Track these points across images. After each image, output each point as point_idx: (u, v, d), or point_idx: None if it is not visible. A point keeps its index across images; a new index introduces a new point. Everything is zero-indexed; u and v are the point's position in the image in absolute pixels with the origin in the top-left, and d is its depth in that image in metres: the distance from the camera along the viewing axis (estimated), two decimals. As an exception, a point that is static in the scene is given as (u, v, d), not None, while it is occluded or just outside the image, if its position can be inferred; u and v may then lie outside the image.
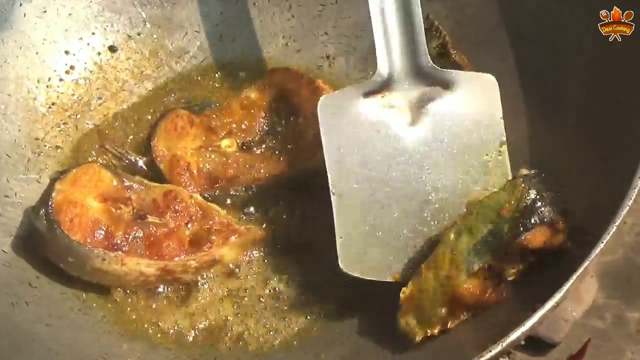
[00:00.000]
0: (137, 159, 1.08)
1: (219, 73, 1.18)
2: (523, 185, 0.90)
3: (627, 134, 0.92)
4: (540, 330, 0.98)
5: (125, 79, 1.17)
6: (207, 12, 1.19)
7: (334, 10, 1.17)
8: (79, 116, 1.14)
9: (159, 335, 0.99)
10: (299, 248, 1.04)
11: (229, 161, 1.07)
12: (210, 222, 1.01)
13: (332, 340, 0.97)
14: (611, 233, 0.82)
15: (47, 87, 1.14)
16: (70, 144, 1.12)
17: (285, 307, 1.01)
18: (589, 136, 0.97)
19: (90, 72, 1.16)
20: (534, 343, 0.98)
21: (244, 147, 1.09)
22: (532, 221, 0.88)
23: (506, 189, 0.91)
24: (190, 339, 0.99)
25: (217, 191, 1.06)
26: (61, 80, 1.15)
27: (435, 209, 0.97)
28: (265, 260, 1.04)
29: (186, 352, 0.98)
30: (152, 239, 0.98)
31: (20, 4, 1.12)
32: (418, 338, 0.91)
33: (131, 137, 1.13)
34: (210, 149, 1.08)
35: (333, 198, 0.97)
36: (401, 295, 0.93)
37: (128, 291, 1.00)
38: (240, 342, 0.98)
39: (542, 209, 0.89)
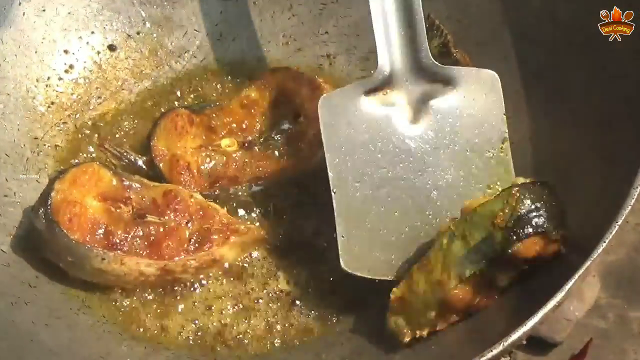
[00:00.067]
0: (137, 158, 1.08)
1: (219, 72, 1.18)
2: (518, 194, 0.89)
3: (629, 134, 0.92)
4: (542, 330, 0.98)
5: (125, 78, 1.17)
6: (207, 11, 1.19)
7: (335, 9, 1.17)
8: (78, 115, 1.14)
9: (158, 336, 0.99)
10: (299, 248, 1.04)
11: (229, 161, 1.07)
12: (210, 222, 1.01)
13: (332, 340, 0.97)
14: (613, 232, 0.82)
15: (47, 86, 1.13)
16: (70, 144, 1.12)
17: (286, 307, 1.00)
18: (590, 136, 0.97)
19: (90, 71, 1.16)
20: (536, 343, 0.98)
21: (245, 147, 1.08)
22: (526, 231, 0.87)
23: (501, 197, 0.90)
24: (190, 339, 0.99)
25: (217, 191, 1.06)
26: (60, 79, 1.15)
27: (437, 207, 0.97)
28: (266, 260, 1.03)
29: (186, 353, 0.97)
30: (151, 238, 0.98)
31: (20, 3, 1.12)
32: (407, 339, 0.91)
33: (131, 136, 1.13)
34: (210, 148, 1.08)
35: (334, 197, 0.96)
36: (391, 295, 0.93)
37: (128, 291, 1.00)
38: (241, 342, 0.98)
39: (537, 219, 0.88)
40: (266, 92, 1.11)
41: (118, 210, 1.00)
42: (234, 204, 1.06)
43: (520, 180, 0.93)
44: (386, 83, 0.99)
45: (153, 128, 1.08)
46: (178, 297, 1.01)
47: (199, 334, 0.99)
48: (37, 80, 1.13)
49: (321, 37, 1.18)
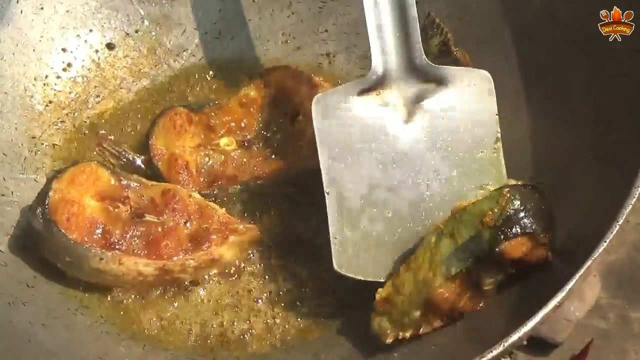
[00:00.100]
0: (135, 157, 1.08)
1: (217, 71, 1.17)
2: (508, 195, 0.90)
3: (629, 133, 0.92)
4: (543, 331, 0.98)
5: (123, 77, 1.17)
6: (206, 9, 1.18)
7: (334, 7, 1.17)
8: (76, 114, 1.14)
9: (157, 336, 0.98)
10: (298, 247, 1.04)
11: (228, 160, 1.07)
12: (209, 222, 1.00)
13: (331, 341, 0.97)
14: (614, 232, 0.82)
15: (44, 84, 1.13)
16: (68, 143, 1.11)
17: (285, 307, 1.00)
18: (591, 135, 0.97)
19: (88, 69, 1.16)
20: (536, 343, 0.98)
21: (243, 146, 1.08)
22: (514, 231, 0.88)
23: (491, 197, 0.91)
24: (189, 339, 0.98)
25: (216, 190, 1.05)
26: (58, 77, 1.14)
27: (430, 208, 0.97)
28: (264, 260, 1.03)
29: (185, 353, 0.97)
30: (150, 238, 0.98)
31: (17, 1, 1.12)
32: (389, 340, 0.92)
33: (129, 135, 1.12)
34: (209, 147, 1.07)
35: (327, 198, 0.96)
36: (377, 296, 0.93)
37: (126, 291, 1.00)
38: (240, 343, 0.98)
39: (525, 220, 0.88)
40: (265, 91, 1.10)
41: (116, 210, 0.99)
42: (233, 204, 1.06)
43: (512, 182, 0.94)
44: (380, 83, 0.99)
45: (151, 127, 1.08)
46: (176, 297, 1.00)
47: (198, 334, 0.99)
48: (34, 79, 1.13)
49: (321, 36, 1.18)
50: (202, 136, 1.08)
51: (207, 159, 1.06)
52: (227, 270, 1.02)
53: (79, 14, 1.15)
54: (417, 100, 0.99)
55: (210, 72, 1.17)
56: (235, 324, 0.99)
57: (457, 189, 0.97)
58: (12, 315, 0.94)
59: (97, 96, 1.15)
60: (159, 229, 0.99)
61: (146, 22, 1.18)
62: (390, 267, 0.95)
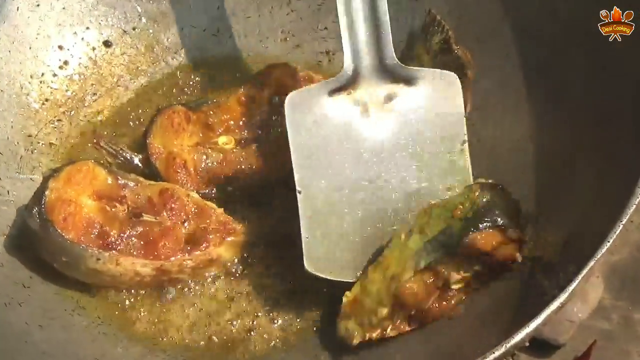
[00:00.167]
0: (133, 156, 1.07)
1: (216, 69, 1.17)
2: (479, 190, 0.93)
3: (633, 132, 0.92)
4: (545, 332, 0.98)
5: (121, 75, 1.16)
6: (204, 6, 1.18)
7: (334, 4, 1.14)
8: (73, 112, 1.13)
9: (154, 337, 0.98)
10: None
11: (227, 158, 1.06)
12: (207, 221, 1.00)
13: (331, 341, 0.96)
14: (618, 232, 0.82)
15: (41, 82, 1.13)
16: (64, 141, 1.11)
17: (284, 308, 1.00)
18: (594, 134, 0.97)
19: (85, 67, 1.16)
20: (539, 345, 0.98)
21: (242, 144, 1.07)
22: (484, 223, 0.90)
23: (462, 193, 0.94)
24: (187, 340, 0.98)
25: (214, 189, 1.05)
26: (55, 75, 1.14)
27: (398, 208, 0.99)
28: (263, 260, 1.03)
29: (183, 354, 0.97)
30: (147, 238, 0.98)
31: (13, -2, 1.12)
32: (355, 341, 0.92)
33: (126, 134, 1.12)
34: (207, 146, 1.07)
35: (299, 197, 0.97)
36: (344, 299, 0.94)
37: (123, 292, 1.00)
38: (239, 343, 0.98)
39: (495, 213, 0.91)
40: (264, 89, 1.10)
41: (113, 210, 0.99)
42: (232, 203, 1.05)
43: (482, 179, 0.96)
44: (351, 83, 1.00)
45: (149, 125, 1.07)
46: (174, 298, 1.00)
47: (196, 335, 0.98)
48: (31, 77, 1.12)
49: (320, 33, 1.17)
50: (201, 135, 1.07)
51: (205, 157, 1.06)
52: (225, 271, 1.01)
53: (76, 11, 1.15)
54: (386, 101, 1.00)
55: (209, 70, 1.17)
56: (234, 324, 0.99)
57: (426, 190, 0.99)
58: (8, 316, 0.94)
59: (94, 94, 1.15)
60: (157, 229, 0.98)
61: (143, 20, 1.18)
62: (359, 268, 0.97)
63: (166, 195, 1.00)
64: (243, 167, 1.06)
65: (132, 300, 0.99)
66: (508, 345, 0.78)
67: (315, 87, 1.00)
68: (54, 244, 0.96)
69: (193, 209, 1.00)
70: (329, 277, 0.96)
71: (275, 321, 0.99)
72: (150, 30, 1.18)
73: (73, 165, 1.01)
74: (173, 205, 1.00)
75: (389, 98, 1.00)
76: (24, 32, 1.12)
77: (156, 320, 0.99)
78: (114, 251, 0.96)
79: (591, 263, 0.81)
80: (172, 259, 0.97)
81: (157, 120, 1.07)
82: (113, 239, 0.97)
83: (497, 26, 1.09)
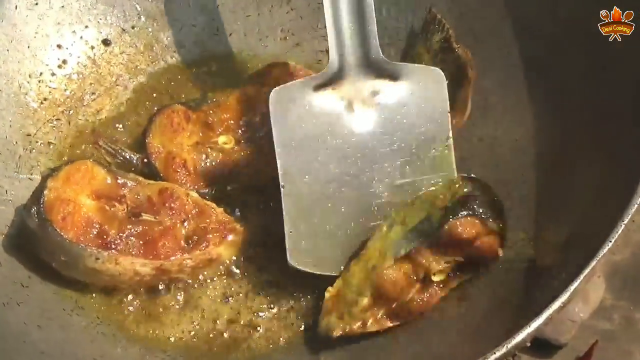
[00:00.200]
0: (132, 156, 1.07)
1: (215, 68, 1.17)
2: (461, 182, 0.97)
3: (633, 133, 0.92)
4: (547, 332, 0.97)
5: (120, 74, 1.16)
6: (204, 5, 1.18)
7: (334, 3, 1.16)
8: (71, 112, 1.13)
9: (154, 337, 0.98)
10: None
11: (227, 158, 1.06)
12: (207, 221, 1.00)
13: (331, 343, 0.96)
14: (619, 231, 0.82)
15: (39, 82, 1.12)
16: (63, 141, 1.11)
17: (285, 307, 1.00)
18: (595, 133, 0.97)
19: (84, 66, 1.15)
20: (540, 345, 0.98)
21: (242, 144, 1.07)
22: (463, 211, 0.93)
23: (443, 185, 0.97)
24: (187, 340, 0.98)
25: (214, 189, 1.05)
26: (53, 74, 1.13)
27: (382, 204, 0.99)
28: (263, 259, 1.02)
29: (183, 355, 0.97)
30: (147, 237, 0.97)
31: (11, -4, 1.12)
32: (336, 333, 0.93)
33: (125, 133, 1.12)
34: (207, 145, 1.06)
35: (283, 191, 0.98)
36: (326, 294, 0.95)
37: (122, 292, 0.99)
38: (239, 343, 0.97)
39: (475, 203, 0.94)
40: (264, 88, 1.09)
41: (112, 209, 0.99)
42: (231, 202, 1.05)
43: (464, 175, 0.99)
44: (336, 78, 1.00)
45: (148, 125, 1.07)
46: (174, 298, 1.00)
47: (196, 335, 0.98)
48: (29, 76, 1.12)
49: (320, 32, 1.16)
50: (200, 134, 1.07)
51: (205, 157, 1.06)
52: (225, 270, 1.01)
53: (75, 10, 1.15)
54: (371, 96, 1.01)
55: (208, 69, 1.17)
56: (234, 324, 0.99)
57: (410, 184, 1.00)
58: (7, 316, 0.93)
59: (93, 93, 1.14)
60: (156, 229, 0.98)
61: (143, 18, 1.17)
62: (342, 262, 0.97)
63: (166, 195, 1.00)
64: (243, 166, 1.06)
65: (131, 300, 0.99)
66: (509, 346, 0.78)
67: (300, 83, 1.01)
68: (52, 243, 0.95)
69: (193, 209, 1.00)
70: (312, 271, 0.97)
71: (276, 321, 0.98)
72: (150, 29, 1.17)
73: (72, 164, 1.01)
74: (173, 205, 0.99)
75: (374, 93, 1.01)
76: (22, 31, 1.12)
77: (156, 320, 0.98)
78: (113, 250, 0.95)
79: (593, 263, 0.81)
80: (172, 258, 0.97)
81: (156, 119, 1.07)
82: (112, 238, 0.96)
83: (497, 25, 1.08)
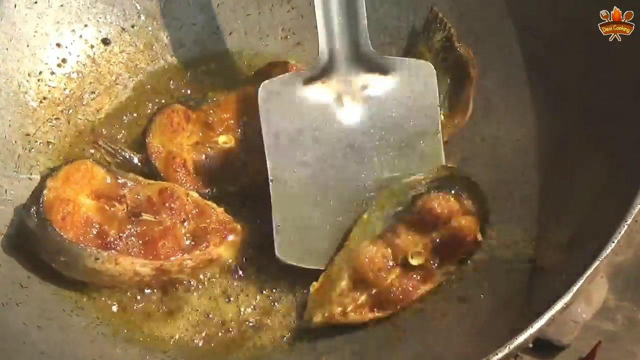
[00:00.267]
0: (132, 155, 1.07)
1: (216, 67, 1.16)
2: (439, 168, 0.99)
3: (635, 133, 0.92)
4: (549, 333, 0.97)
5: (119, 73, 1.16)
6: (204, 3, 1.17)
7: (335, 2, 1.16)
8: (71, 111, 1.13)
9: (154, 338, 0.97)
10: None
11: (227, 158, 1.06)
12: (207, 221, 1.00)
13: (332, 343, 0.96)
14: (622, 232, 0.82)
15: (38, 81, 1.12)
16: (62, 140, 1.11)
17: (285, 307, 0.99)
18: (598, 133, 0.97)
19: (83, 65, 1.15)
20: (542, 346, 0.98)
21: (242, 143, 1.07)
22: (439, 189, 0.96)
23: (425, 172, 1.00)
24: (187, 341, 0.97)
25: (215, 189, 1.04)
26: (53, 73, 1.13)
27: (371, 197, 1.00)
28: (264, 260, 1.02)
29: (183, 355, 0.96)
30: (147, 237, 0.97)
31: (10, -6, 1.12)
32: (316, 319, 0.94)
33: (125, 133, 1.11)
34: (207, 145, 1.06)
35: (271, 185, 0.98)
36: (311, 289, 0.96)
37: (122, 292, 0.99)
38: (240, 343, 0.97)
39: (451, 183, 0.96)
40: (264, 87, 1.09)
41: (112, 209, 0.98)
42: (232, 202, 1.05)
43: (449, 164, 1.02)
44: (325, 72, 1.01)
45: (148, 124, 1.07)
46: (174, 298, 0.99)
47: (196, 335, 0.98)
48: (28, 75, 1.12)
49: (321, 31, 1.17)
50: (200, 134, 1.07)
51: (205, 157, 1.05)
52: (225, 270, 1.01)
53: (74, 8, 1.14)
54: (361, 90, 1.02)
55: (209, 69, 1.16)
56: (234, 324, 0.98)
57: (398, 178, 1.00)
58: (6, 316, 0.93)
59: (93, 92, 1.14)
60: (156, 229, 0.98)
61: (142, 17, 1.17)
62: (330, 256, 0.98)
63: (166, 195, 0.99)
64: (243, 166, 1.05)
65: (131, 300, 0.99)
66: (511, 347, 0.78)
67: (289, 76, 1.02)
68: (52, 243, 0.95)
69: (193, 209, 1.00)
70: (300, 265, 0.98)
71: (277, 320, 0.98)
72: (149, 28, 1.17)
73: (71, 164, 1.00)
74: (173, 205, 0.99)
75: (364, 87, 1.01)
76: (21, 30, 1.11)
77: (156, 320, 0.98)
78: (113, 251, 0.95)
79: (596, 263, 0.81)
80: (172, 258, 0.97)
81: (156, 119, 1.06)
82: (112, 238, 0.96)
83: (498, 24, 1.08)
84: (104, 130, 1.11)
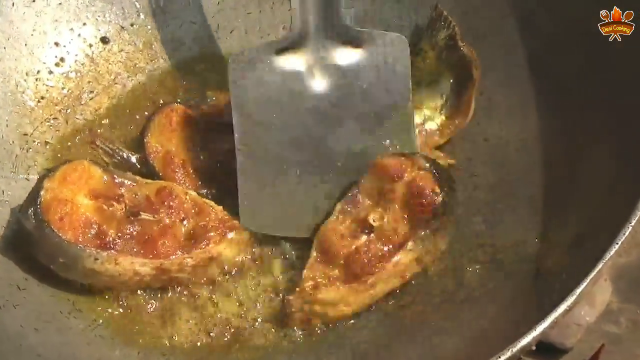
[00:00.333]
0: (130, 155, 1.06)
1: (216, 66, 1.16)
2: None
3: (637, 133, 0.92)
4: (552, 335, 0.97)
5: (118, 72, 1.16)
6: (204, 1, 1.17)
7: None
8: (69, 111, 1.12)
9: (153, 340, 0.97)
10: (299, 245, 1.02)
11: (226, 157, 1.04)
12: (207, 219, 0.99)
13: (333, 343, 0.96)
14: (627, 233, 0.82)
15: (36, 80, 1.12)
16: (60, 140, 1.11)
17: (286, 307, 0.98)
18: (601, 133, 0.96)
19: (81, 64, 1.15)
20: (546, 348, 0.97)
21: (242, 143, 1.07)
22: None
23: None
24: (187, 341, 0.97)
25: (214, 189, 1.04)
26: (51, 73, 1.13)
27: (339, 168, 1.01)
28: (264, 258, 1.02)
29: (183, 357, 0.96)
30: (146, 236, 0.97)
31: (9, -8, 1.12)
32: (291, 297, 0.94)
33: (123, 132, 1.12)
34: (206, 145, 1.05)
35: (238, 154, 0.99)
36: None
37: (120, 293, 0.99)
38: (240, 343, 0.97)
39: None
40: (264, 87, 1.09)
41: (110, 209, 0.98)
42: (231, 201, 1.03)
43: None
44: (298, 42, 1.01)
45: (147, 124, 1.07)
46: (174, 298, 0.99)
47: (196, 336, 0.97)
48: (26, 74, 1.12)
49: (322, 30, 1.16)
50: (199, 134, 1.06)
51: (203, 157, 1.05)
52: (226, 269, 1.00)
53: (73, 7, 1.14)
54: (333, 61, 1.02)
55: (208, 68, 1.16)
56: (235, 324, 0.98)
57: (370, 151, 1.01)
58: (3, 318, 0.93)
59: (91, 92, 1.14)
60: (155, 228, 0.97)
61: (142, 16, 1.17)
62: (296, 224, 1.00)
63: (164, 194, 0.99)
64: (243, 166, 1.05)
65: (130, 301, 0.98)
66: (514, 349, 0.77)
67: (261, 47, 1.02)
68: (50, 244, 0.95)
69: (192, 207, 0.99)
70: (265, 232, 0.99)
71: (277, 321, 0.97)
72: (149, 27, 1.17)
73: (68, 164, 1.00)
74: (171, 204, 0.99)
75: (337, 59, 1.01)
76: (19, 28, 1.11)
77: (155, 322, 0.98)
78: (112, 251, 0.95)
79: (599, 265, 0.80)
80: (172, 257, 0.96)
81: (154, 119, 1.06)
82: (111, 238, 0.96)
83: (501, 23, 1.08)
84: (102, 130, 1.11)
